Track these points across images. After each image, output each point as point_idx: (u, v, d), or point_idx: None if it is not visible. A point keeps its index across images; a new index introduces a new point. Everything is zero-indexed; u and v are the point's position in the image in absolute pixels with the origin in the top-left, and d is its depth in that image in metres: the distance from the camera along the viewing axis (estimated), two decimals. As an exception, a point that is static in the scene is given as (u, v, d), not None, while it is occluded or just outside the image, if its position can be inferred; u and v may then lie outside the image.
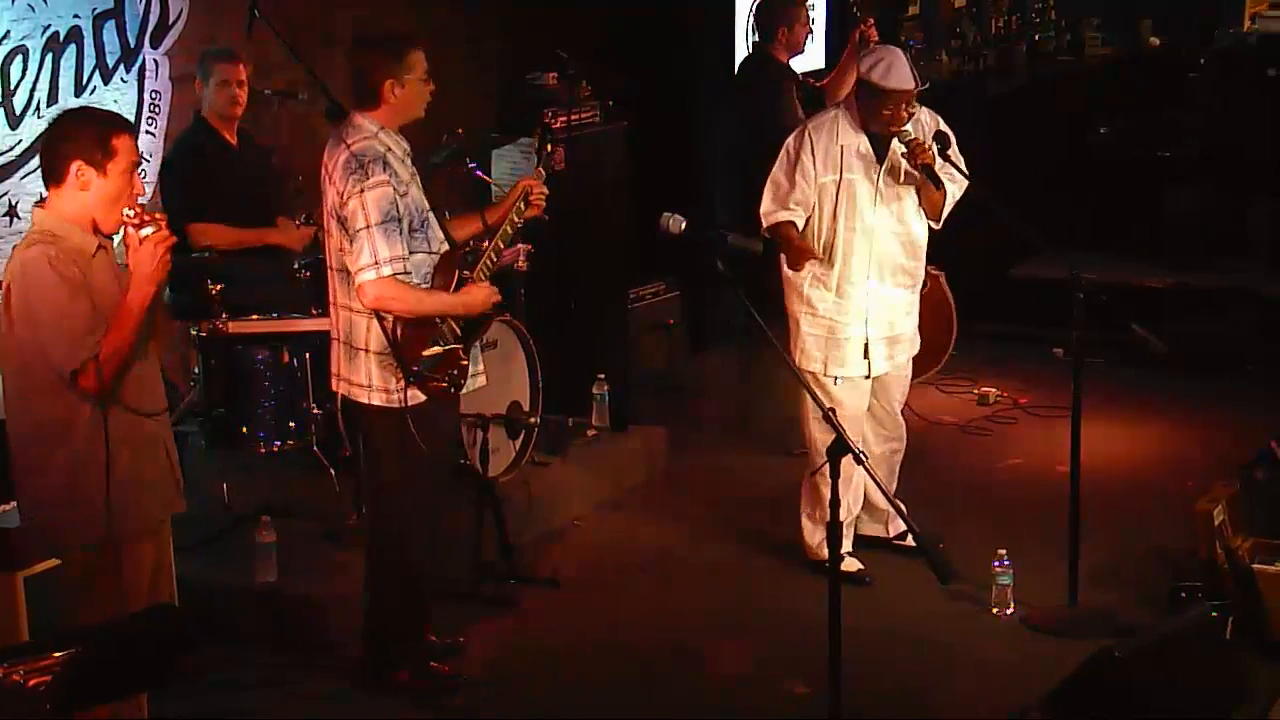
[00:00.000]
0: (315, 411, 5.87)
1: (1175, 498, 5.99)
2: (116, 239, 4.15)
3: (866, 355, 5.67)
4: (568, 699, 5.09)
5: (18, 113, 5.96)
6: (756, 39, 7.24)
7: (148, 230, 3.93)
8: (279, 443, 5.88)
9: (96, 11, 6.17)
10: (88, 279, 3.99)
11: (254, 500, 5.80)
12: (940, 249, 6.05)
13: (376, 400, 4.80)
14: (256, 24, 5.99)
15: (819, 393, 5.57)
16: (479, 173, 6.27)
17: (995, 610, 5.51)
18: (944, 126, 5.64)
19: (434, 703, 5.00)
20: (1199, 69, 9.52)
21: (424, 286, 4.76)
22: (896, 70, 5.43)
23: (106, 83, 6.24)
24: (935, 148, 5.50)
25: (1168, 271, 8.61)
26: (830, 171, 5.54)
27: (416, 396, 4.75)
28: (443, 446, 5.02)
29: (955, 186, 5.64)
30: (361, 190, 4.64)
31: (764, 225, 5.67)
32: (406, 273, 4.68)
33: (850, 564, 5.69)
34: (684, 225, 4.44)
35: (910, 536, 5.46)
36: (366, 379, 4.80)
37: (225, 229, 6.14)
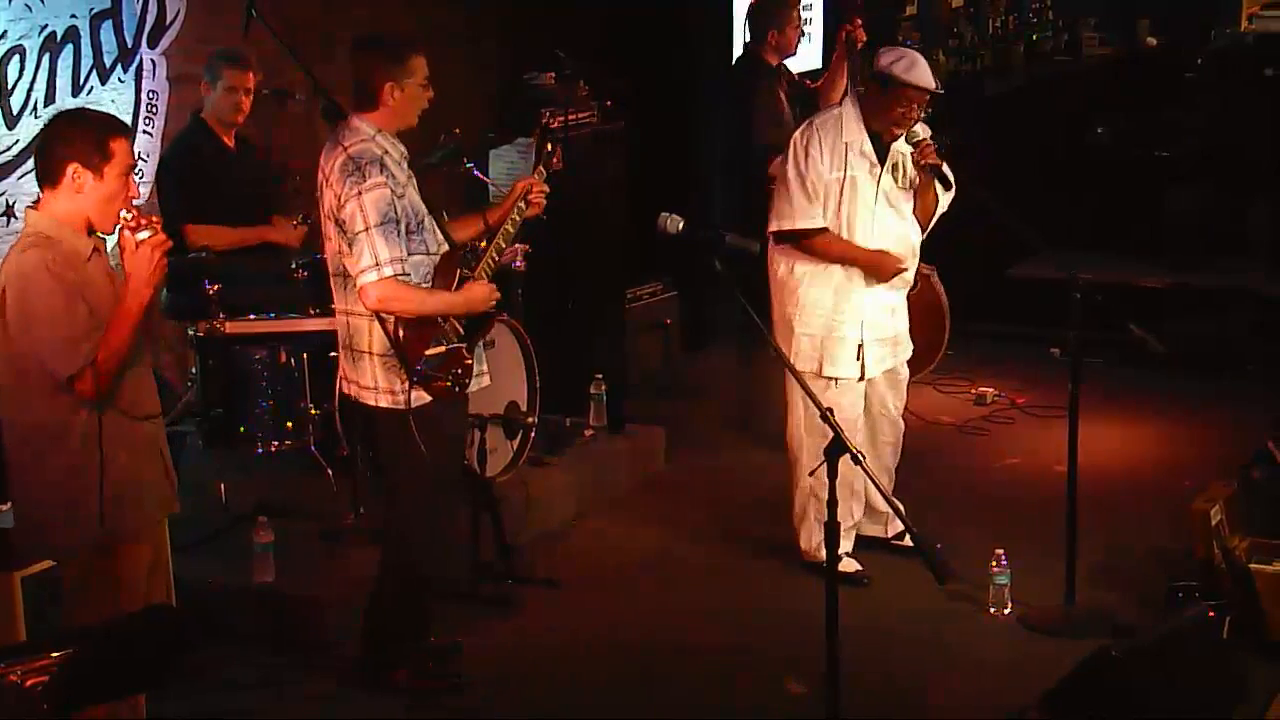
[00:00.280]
0: (313, 411, 5.87)
1: (1172, 497, 5.99)
2: (110, 241, 4.14)
3: (859, 357, 5.66)
4: (566, 699, 5.09)
5: (15, 113, 5.96)
6: (748, 40, 7.24)
7: (144, 234, 3.92)
8: (276, 443, 5.88)
9: (94, 11, 6.17)
10: (84, 282, 3.99)
11: (251, 500, 5.80)
12: (938, 249, 6.05)
13: (383, 402, 4.80)
14: (253, 24, 5.98)
15: (817, 393, 5.57)
16: (476, 172, 6.27)
17: (993, 610, 5.51)
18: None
19: (432, 703, 5.00)
20: (1197, 69, 9.52)
21: (425, 287, 4.76)
22: (920, 68, 5.44)
23: (104, 83, 6.24)
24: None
25: (1166, 271, 8.62)
26: (836, 169, 5.54)
27: (422, 398, 4.75)
28: (450, 448, 5.01)
29: (945, 197, 5.65)
30: (359, 193, 4.64)
31: (802, 229, 5.56)
32: (406, 274, 4.68)
33: (848, 564, 5.69)
34: (682, 225, 4.43)
35: (908, 536, 5.46)
36: (372, 381, 4.80)
37: (222, 229, 6.14)
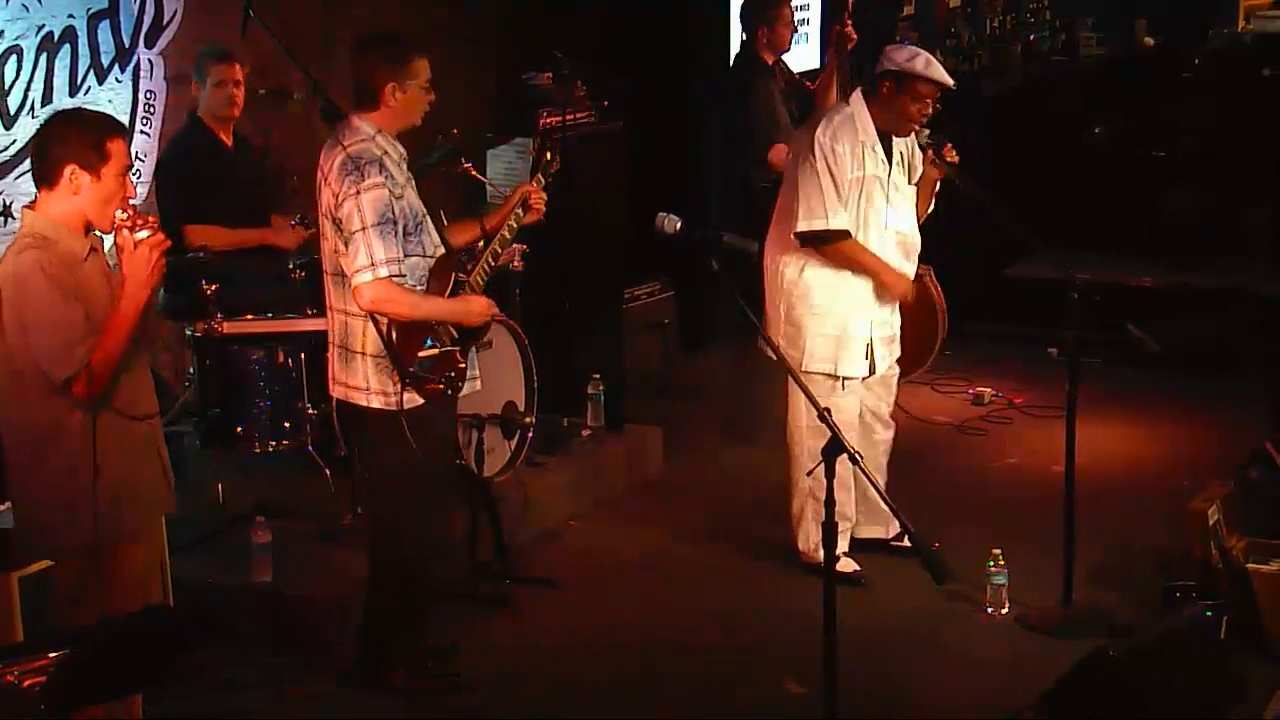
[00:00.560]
0: (310, 412, 5.86)
1: (1170, 497, 5.99)
2: (107, 242, 4.14)
3: (869, 356, 5.67)
4: (564, 699, 5.09)
5: (12, 113, 5.95)
6: (744, 38, 7.25)
7: (142, 234, 3.91)
8: (274, 443, 5.88)
9: (91, 11, 6.16)
10: (80, 284, 3.98)
11: (249, 500, 5.79)
12: (935, 249, 6.05)
13: (375, 403, 4.80)
14: (251, 24, 5.99)
15: (820, 394, 5.58)
16: (474, 173, 6.26)
17: (990, 610, 5.51)
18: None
19: (429, 703, 5.00)
20: (1194, 69, 9.53)
21: (419, 289, 4.76)
22: (936, 64, 5.45)
23: (101, 83, 6.23)
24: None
25: (1164, 271, 8.62)
26: (856, 168, 5.53)
27: (414, 399, 4.75)
28: (441, 449, 5.01)
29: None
30: (357, 192, 4.63)
31: (832, 229, 5.53)
32: (402, 275, 4.68)
33: (846, 564, 5.69)
34: (679, 225, 4.43)
35: (906, 537, 5.46)
36: (364, 382, 4.80)
37: (220, 230, 6.13)
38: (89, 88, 6.19)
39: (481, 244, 5.07)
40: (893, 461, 6.04)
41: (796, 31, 7.52)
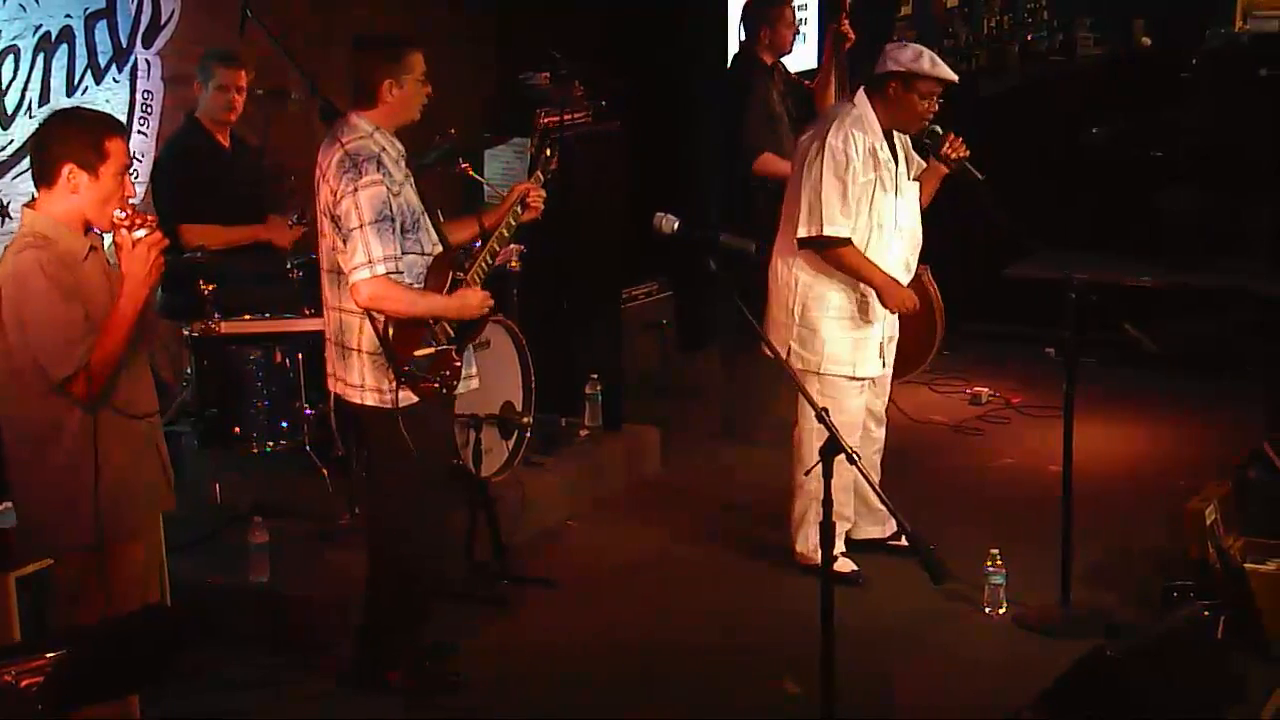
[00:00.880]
0: (308, 411, 5.86)
1: (1168, 497, 5.99)
2: (107, 240, 4.14)
3: (881, 354, 5.69)
4: (562, 698, 5.09)
5: (9, 112, 5.95)
6: (743, 39, 7.23)
7: (140, 233, 3.92)
8: (271, 443, 5.87)
9: (88, 11, 6.16)
10: (80, 283, 3.99)
11: (246, 500, 5.79)
12: (934, 248, 6.05)
13: (370, 400, 4.80)
14: (249, 23, 5.99)
15: (838, 395, 5.59)
16: (472, 173, 6.26)
17: (988, 610, 5.51)
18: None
19: (427, 702, 4.99)
20: (1191, 69, 9.53)
21: (417, 287, 4.76)
22: (940, 61, 5.46)
23: (98, 83, 6.23)
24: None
25: (1162, 271, 8.62)
26: (868, 171, 5.53)
27: (409, 397, 4.75)
28: (437, 447, 5.01)
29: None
30: (355, 189, 4.64)
31: (832, 235, 5.53)
32: (399, 272, 4.68)
33: (844, 564, 5.69)
34: (677, 225, 4.43)
35: (904, 537, 5.46)
36: (360, 379, 4.80)
37: (217, 229, 6.13)
38: (86, 88, 6.18)
39: (479, 242, 5.07)
40: (891, 461, 6.05)
41: (798, 33, 7.52)
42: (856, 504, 5.87)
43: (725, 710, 5.03)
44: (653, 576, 5.99)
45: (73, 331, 3.94)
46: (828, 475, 4.01)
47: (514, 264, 6.42)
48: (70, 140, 4.00)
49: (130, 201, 4.07)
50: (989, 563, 5.51)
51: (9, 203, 5.92)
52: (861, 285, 5.61)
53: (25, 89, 5.99)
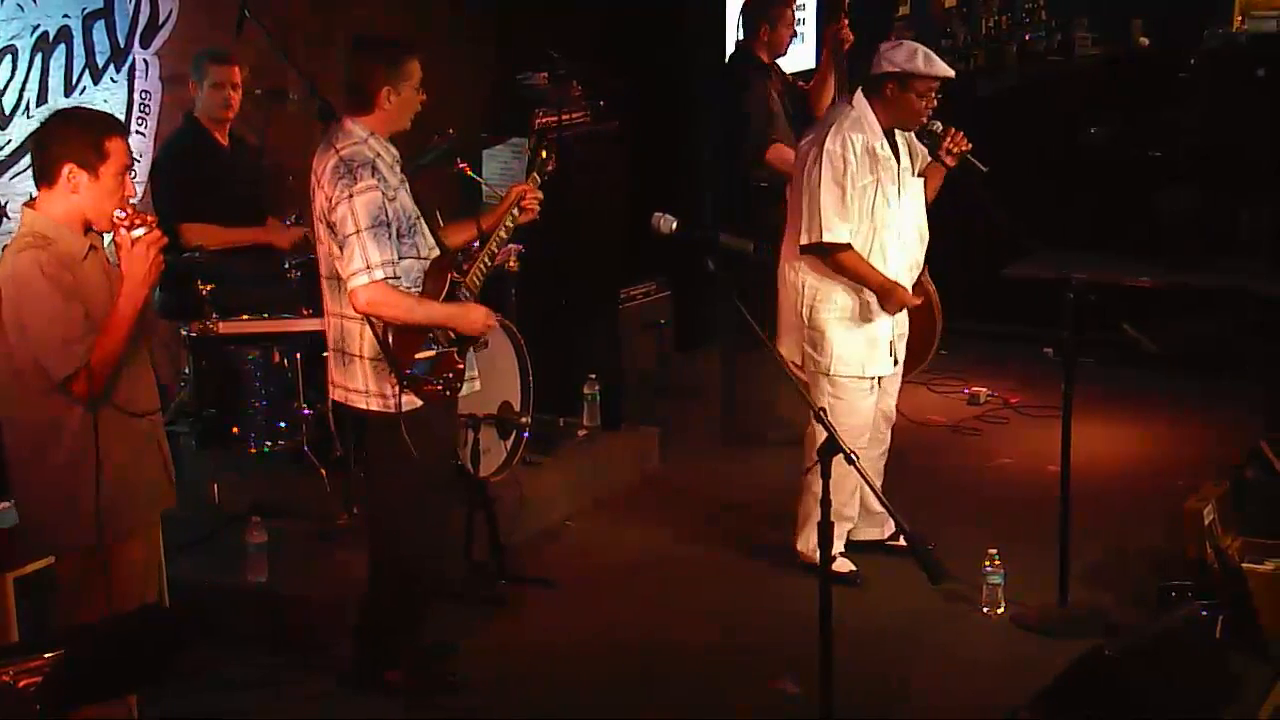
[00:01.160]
0: (306, 412, 5.86)
1: (1166, 497, 5.99)
2: (107, 238, 4.14)
3: (892, 353, 5.69)
4: (561, 698, 5.09)
5: (7, 113, 5.95)
6: (740, 37, 7.21)
7: (139, 231, 3.93)
8: (270, 443, 5.87)
9: (86, 11, 6.16)
10: (79, 282, 3.99)
11: (245, 500, 5.79)
12: (933, 247, 6.05)
13: (374, 406, 4.79)
14: (247, 24, 5.98)
15: (849, 396, 5.59)
16: (469, 173, 6.26)
17: (986, 610, 5.51)
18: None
19: (426, 703, 4.99)
20: (1189, 69, 9.53)
21: (415, 291, 4.75)
22: (936, 58, 5.48)
23: (96, 83, 6.23)
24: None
25: (1161, 271, 8.62)
26: (868, 173, 5.53)
27: (413, 401, 4.74)
28: (440, 450, 5.01)
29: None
30: (350, 195, 4.63)
31: (830, 242, 5.54)
32: (396, 277, 4.67)
33: (842, 564, 5.69)
34: (675, 225, 4.43)
35: (902, 537, 5.46)
36: (363, 385, 4.79)
37: (216, 229, 6.13)
38: (84, 88, 6.18)
39: (478, 244, 5.06)
40: (889, 462, 6.04)
41: (796, 35, 7.51)
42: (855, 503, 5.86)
43: (724, 710, 5.03)
44: (651, 576, 5.99)
45: (72, 331, 3.94)
46: (826, 475, 4.01)
47: (512, 264, 6.42)
48: (70, 140, 4.01)
49: (130, 201, 4.07)
50: (987, 563, 5.51)
51: (6, 203, 5.92)
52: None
53: (23, 89, 5.99)
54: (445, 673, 5.12)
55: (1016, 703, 4.37)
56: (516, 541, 6.03)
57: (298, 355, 5.83)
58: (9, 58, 5.93)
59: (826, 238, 5.53)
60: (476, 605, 5.61)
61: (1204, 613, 4.86)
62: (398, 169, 4.80)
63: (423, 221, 4.84)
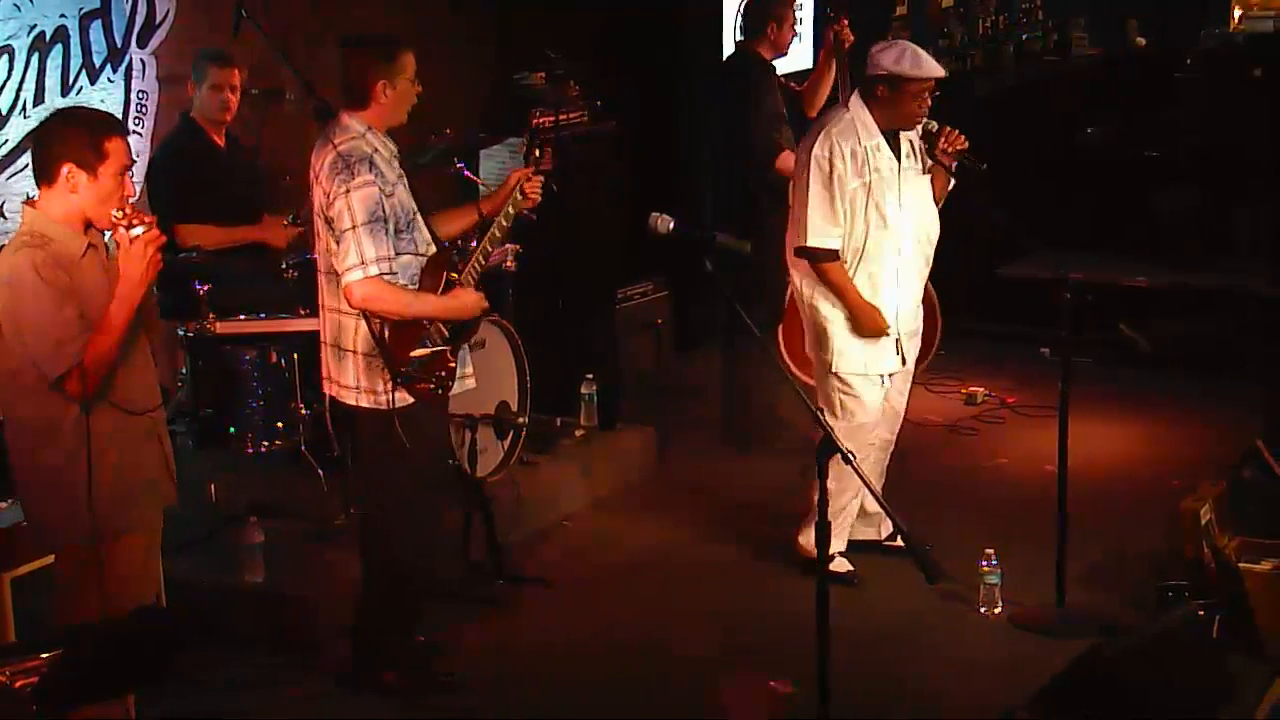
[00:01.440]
0: (303, 412, 5.86)
1: (1163, 497, 5.99)
2: (109, 236, 4.15)
3: (898, 350, 5.70)
4: (558, 698, 5.09)
5: (4, 113, 5.95)
6: (740, 38, 7.19)
7: (137, 230, 3.93)
8: (267, 443, 5.87)
9: (83, 11, 6.16)
10: (75, 282, 4.00)
11: (242, 500, 5.79)
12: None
13: (364, 402, 4.80)
14: (244, 24, 5.98)
15: (847, 398, 5.60)
16: (467, 172, 6.26)
17: (983, 609, 5.51)
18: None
19: (422, 703, 4.99)
20: (1186, 69, 9.53)
21: (411, 288, 4.75)
22: (924, 59, 5.46)
23: (93, 83, 6.23)
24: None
25: (1159, 271, 8.62)
26: (858, 176, 5.54)
27: (404, 398, 4.74)
28: (431, 448, 5.01)
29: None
30: (347, 190, 4.63)
31: (816, 247, 5.57)
32: (393, 273, 4.67)
33: (840, 564, 5.69)
34: (672, 225, 4.43)
35: (899, 536, 5.46)
36: (355, 381, 4.80)
37: (212, 229, 6.13)
38: (81, 88, 6.18)
39: (478, 232, 5.06)
40: (888, 461, 6.04)
41: (796, 35, 7.50)
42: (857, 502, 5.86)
43: (719, 710, 5.02)
44: (649, 576, 5.99)
45: (65, 331, 3.95)
46: (823, 475, 4.01)
47: (510, 264, 6.43)
48: (69, 140, 4.01)
49: (129, 200, 4.07)
50: (984, 562, 5.51)
51: (4, 203, 5.92)
52: (870, 282, 5.61)
53: (20, 89, 5.99)
54: (441, 673, 5.12)
55: (1014, 703, 4.37)
56: (514, 541, 6.02)
57: (295, 355, 5.82)
58: (5, 58, 5.93)
59: (811, 242, 5.58)
60: (474, 605, 5.61)
61: (1201, 613, 4.86)
62: (396, 163, 4.80)
63: (420, 217, 4.84)
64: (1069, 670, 4.27)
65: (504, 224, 4.97)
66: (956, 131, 5.56)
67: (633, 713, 5.01)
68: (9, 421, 4.13)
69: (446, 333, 4.85)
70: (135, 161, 6.16)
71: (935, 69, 5.49)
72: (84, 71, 6.19)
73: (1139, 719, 4.19)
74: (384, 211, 4.66)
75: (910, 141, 5.66)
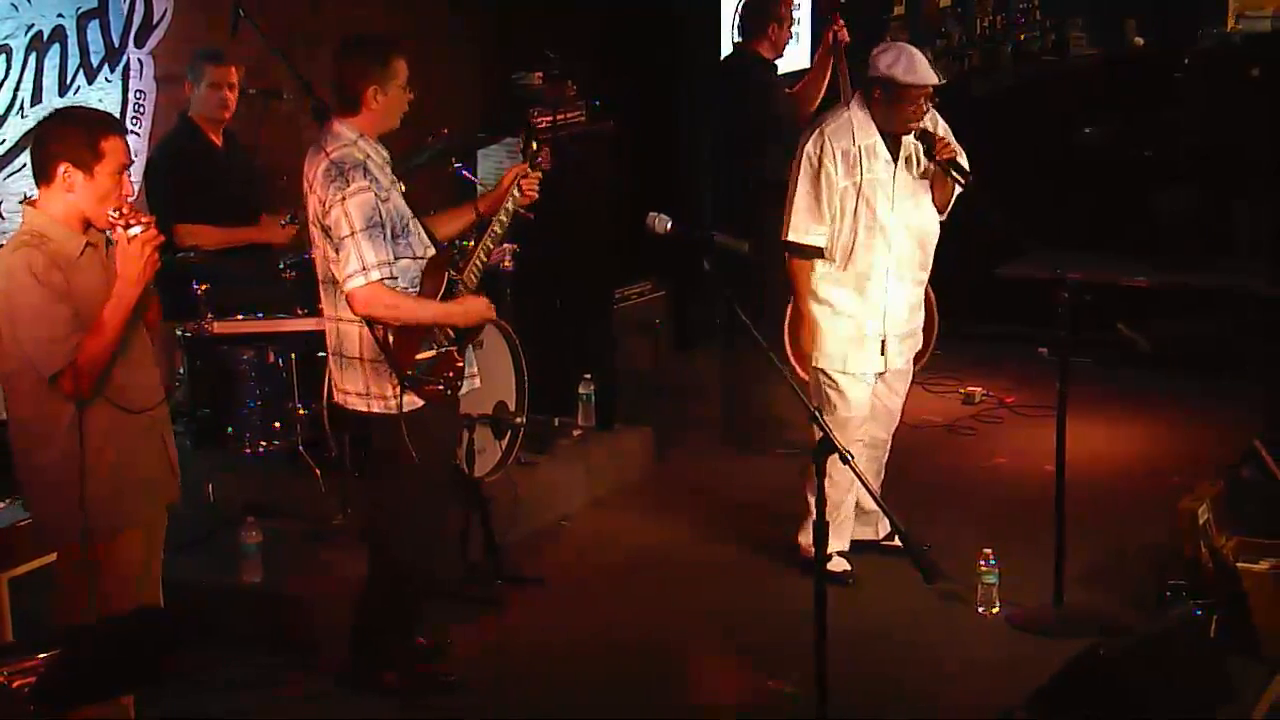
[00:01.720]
0: (301, 412, 5.86)
1: (1161, 497, 5.99)
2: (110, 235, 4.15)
3: (883, 352, 5.70)
4: (556, 698, 5.09)
5: (1, 113, 5.94)
6: (739, 39, 7.18)
7: (135, 229, 3.94)
8: (264, 443, 5.87)
9: (80, 11, 6.16)
10: (71, 282, 4.00)
11: (239, 501, 5.78)
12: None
13: (375, 408, 4.78)
14: (242, 23, 5.97)
15: (832, 393, 5.61)
16: (465, 173, 6.26)
17: (981, 609, 5.51)
18: (943, 123, 5.65)
19: (421, 703, 4.99)
20: (1184, 69, 9.54)
21: (412, 292, 4.74)
22: (919, 65, 5.46)
23: (91, 82, 6.22)
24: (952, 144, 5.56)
25: (1155, 271, 8.63)
26: (850, 175, 5.55)
27: (414, 402, 4.73)
28: (443, 450, 5.00)
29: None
30: (343, 198, 4.62)
31: (794, 242, 5.62)
32: (393, 278, 4.66)
33: (838, 563, 5.69)
34: (670, 225, 4.43)
35: (897, 536, 5.46)
36: (364, 388, 4.78)
37: (210, 229, 6.13)
38: (78, 87, 6.18)
39: (474, 236, 5.05)
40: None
41: (794, 36, 7.50)
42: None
43: (718, 710, 5.02)
44: (648, 576, 5.99)
45: (58, 330, 3.95)
46: (820, 475, 4.02)
47: (507, 263, 6.43)
48: (66, 139, 4.02)
49: (128, 200, 4.08)
50: (982, 562, 5.51)
51: (2, 202, 5.91)
52: (858, 281, 5.61)
53: (17, 89, 5.99)
54: (440, 673, 5.12)
55: (1012, 703, 4.36)
56: (512, 541, 6.02)
57: (292, 355, 5.82)
58: (3, 57, 5.92)
59: (792, 237, 5.63)
60: (473, 605, 5.61)
61: (1199, 613, 4.86)
62: (389, 170, 4.79)
63: (416, 222, 4.83)
64: (1067, 670, 4.26)
65: (503, 221, 4.97)
66: (946, 141, 5.55)
67: (632, 713, 5.01)
68: (10, 421, 4.14)
69: (452, 333, 4.84)
70: (133, 161, 6.18)
71: (928, 76, 5.47)
72: (81, 71, 6.19)
73: (1137, 719, 4.18)
74: (381, 217, 4.65)
75: (910, 145, 5.66)
